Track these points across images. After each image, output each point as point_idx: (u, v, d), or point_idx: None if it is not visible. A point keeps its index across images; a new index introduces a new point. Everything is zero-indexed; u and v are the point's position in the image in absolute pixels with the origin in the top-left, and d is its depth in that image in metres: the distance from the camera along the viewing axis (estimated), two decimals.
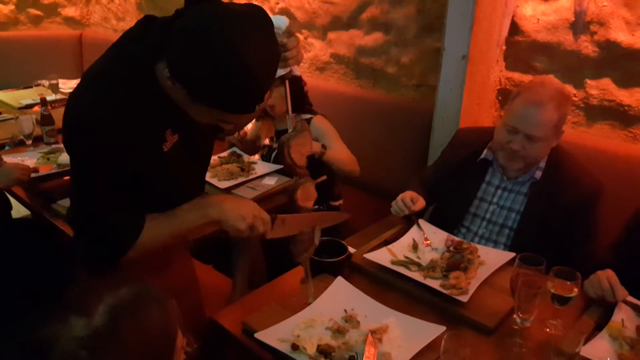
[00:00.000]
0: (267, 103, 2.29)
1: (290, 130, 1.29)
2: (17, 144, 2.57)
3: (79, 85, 1.14)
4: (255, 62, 1.00)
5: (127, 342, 0.76)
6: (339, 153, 2.29)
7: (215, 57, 0.98)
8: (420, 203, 1.76)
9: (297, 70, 1.24)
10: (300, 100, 2.41)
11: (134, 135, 1.11)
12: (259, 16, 1.06)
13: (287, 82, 1.27)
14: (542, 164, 1.73)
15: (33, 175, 2.11)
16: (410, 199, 1.74)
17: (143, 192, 1.19)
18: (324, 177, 1.39)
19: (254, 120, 2.66)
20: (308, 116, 2.40)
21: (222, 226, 1.24)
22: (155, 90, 1.11)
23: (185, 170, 1.23)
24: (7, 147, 2.53)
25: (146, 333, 0.79)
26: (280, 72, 1.19)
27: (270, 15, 1.11)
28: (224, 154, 2.46)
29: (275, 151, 2.42)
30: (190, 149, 1.26)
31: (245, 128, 2.50)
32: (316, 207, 1.37)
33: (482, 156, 1.81)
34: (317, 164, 2.24)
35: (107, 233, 1.16)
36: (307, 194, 1.32)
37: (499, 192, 1.79)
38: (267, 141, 2.53)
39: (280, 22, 1.17)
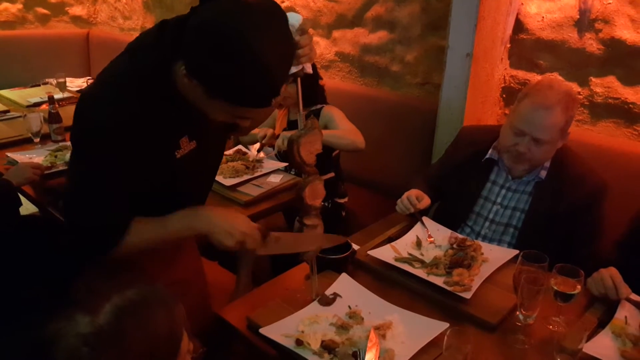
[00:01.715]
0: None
1: (301, 127, 1.30)
2: (25, 142, 2.59)
3: (92, 89, 1.14)
4: (271, 56, 1.01)
5: (130, 342, 0.77)
6: (334, 130, 2.33)
7: (231, 52, 0.98)
8: (425, 201, 1.76)
9: (309, 68, 1.25)
10: (315, 92, 2.43)
11: (144, 145, 1.11)
12: (273, 10, 1.07)
13: (299, 79, 1.27)
14: (547, 164, 1.72)
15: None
16: (416, 197, 1.75)
17: (150, 195, 1.20)
18: (332, 174, 1.40)
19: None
20: (319, 106, 2.42)
21: (210, 240, 1.23)
22: (172, 97, 1.12)
23: (197, 175, 1.24)
24: None
25: (150, 335, 0.80)
26: (293, 69, 1.21)
27: None
28: (230, 151, 2.47)
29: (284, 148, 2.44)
30: (206, 155, 1.27)
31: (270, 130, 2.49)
32: (322, 204, 1.38)
33: (487, 156, 1.81)
34: (323, 162, 2.25)
35: (94, 231, 1.16)
36: (315, 192, 1.32)
37: (503, 191, 1.79)
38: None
39: (294, 19, 1.17)
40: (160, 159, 1.17)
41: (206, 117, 1.15)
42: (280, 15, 1.08)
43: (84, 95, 1.15)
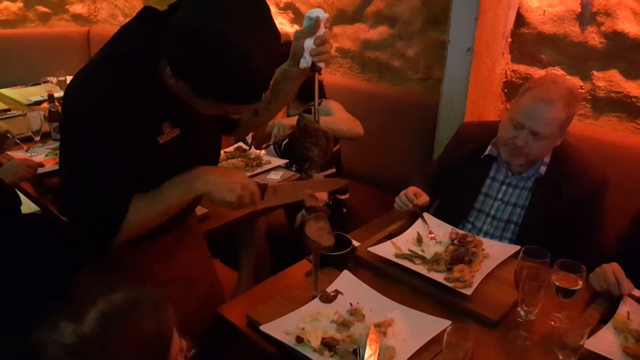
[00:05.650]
0: None
1: (316, 119, 1.27)
2: (26, 140, 2.59)
3: (75, 77, 1.13)
4: (255, 52, 0.98)
5: (117, 348, 0.75)
6: (332, 117, 2.30)
7: (214, 52, 0.96)
8: (424, 198, 1.75)
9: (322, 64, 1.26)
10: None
11: (126, 126, 1.10)
12: (254, 2, 1.04)
13: (316, 74, 1.26)
14: (547, 159, 1.71)
15: (40, 170, 2.13)
16: (414, 194, 1.74)
17: (141, 183, 1.18)
18: (333, 170, 1.39)
19: None
20: (319, 101, 2.41)
21: (210, 199, 1.19)
22: (155, 84, 1.10)
23: (185, 163, 1.22)
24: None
25: (137, 339, 0.78)
26: (307, 62, 1.22)
27: (274, 10, 1.10)
28: (230, 148, 2.46)
29: (285, 140, 2.42)
30: (192, 144, 1.25)
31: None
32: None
33: (487, 152, 1.80)
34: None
35: (94, 215, 1.14)
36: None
37: (504, 187, 1.78)
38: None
39: (319, 13, 1.20)
40: (144, 142, 1.15)
41: (191, 106, 1.13)
42: (259, 6, 1.04)
43: (66, 88, 1.14)
